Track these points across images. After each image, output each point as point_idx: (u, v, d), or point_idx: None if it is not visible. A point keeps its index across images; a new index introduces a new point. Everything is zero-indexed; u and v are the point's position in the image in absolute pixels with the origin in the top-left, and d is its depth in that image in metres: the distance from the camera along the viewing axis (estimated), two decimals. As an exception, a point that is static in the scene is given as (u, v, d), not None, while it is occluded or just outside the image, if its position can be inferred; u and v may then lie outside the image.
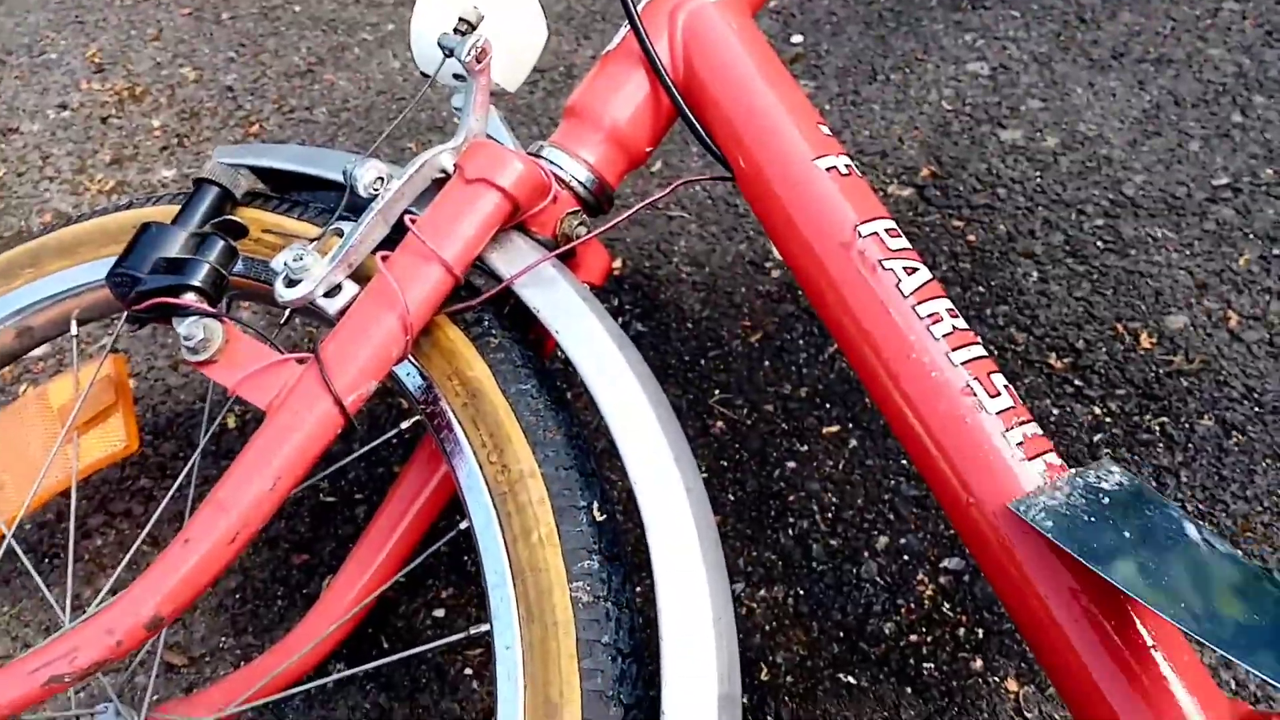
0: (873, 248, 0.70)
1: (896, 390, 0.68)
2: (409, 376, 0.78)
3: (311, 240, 0.75)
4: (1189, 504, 1.06)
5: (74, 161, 1.61)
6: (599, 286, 0.89)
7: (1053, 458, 0.65)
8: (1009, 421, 0.65)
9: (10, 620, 1.10)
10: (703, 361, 1.22)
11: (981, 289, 1.24)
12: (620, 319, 1.26)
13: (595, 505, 0.69)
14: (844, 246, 0.70)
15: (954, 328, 0.68)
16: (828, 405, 1.18)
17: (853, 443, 1.15)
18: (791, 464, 1.14)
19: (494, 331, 0.76)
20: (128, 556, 0.90)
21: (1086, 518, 0.58)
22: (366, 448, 0.84)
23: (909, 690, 0.98)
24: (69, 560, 0.91)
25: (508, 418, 0.72)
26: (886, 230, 0.71)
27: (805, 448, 1.15)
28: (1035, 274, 1.24)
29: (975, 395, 0.65)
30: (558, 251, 0.78)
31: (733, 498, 1.12)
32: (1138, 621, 0.59)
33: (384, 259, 0.74)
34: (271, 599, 1.09)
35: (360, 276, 0.75)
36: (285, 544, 1.13)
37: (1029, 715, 0.95)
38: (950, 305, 0.69)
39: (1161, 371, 1.15)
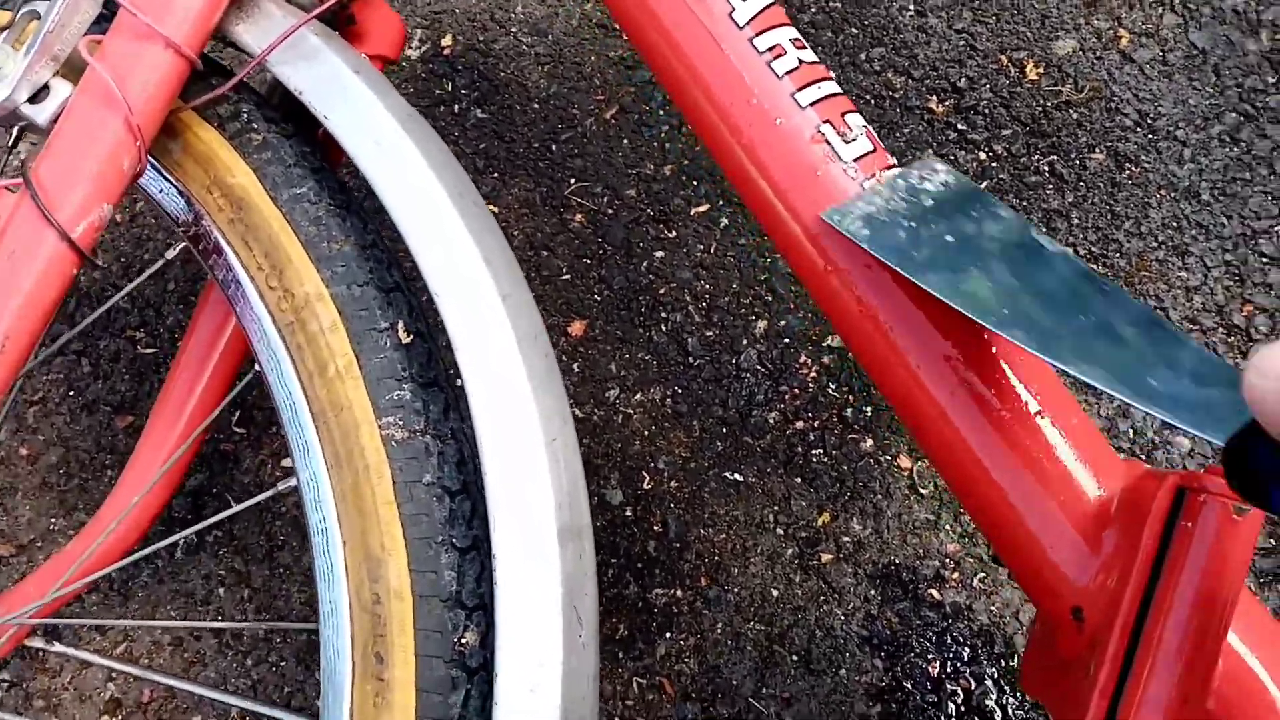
0: (695, -31, 0.57)
1: (741, 148, 0.57)
2: (165, 193, 0.63)
3: (2, 30, 0.59)
4: (1080, 247, 0.99)
5: None
6: (394, 60, 0.74)
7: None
8: (870, 169, 0.54)
9: None
10: (554, 147, 1.08)
11: (855, 30, 1.11)
12: (456, 106, 1.10)
13: (400, 325, 0.58)
14: (660, -29, 0.57)
15: (800, 61, 0.56)
16: (695, 182, 1.06)
17: (724, 221, 1.04)
18: (660, 253, 1.03)
19: (255, 125, 0.62)
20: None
21: (907, 222, 0.50)
22: (131, 286, 0.71)
23: (798, 480, 0.92)
24: None
25: (283, 230, 0.59)
26: (711, -55, 0.57)
27: (674, 233, 1.04)
28: (912, 7, 1.11)
29: (827, 142, 0.54)
30: (317, 11, 0.62)
31: (599, 298, 1.01)
32: (1019, 386, 0.52)
33: (96, 45, 0.58)
34: (99, 469, 0.98)
35: (76, 73, 0.59)
36: (106, 406, 1.00)
37: (924, 491, 0.91)
38: (796, 35, 0.57)
39: (1049, 104, 1.05)
